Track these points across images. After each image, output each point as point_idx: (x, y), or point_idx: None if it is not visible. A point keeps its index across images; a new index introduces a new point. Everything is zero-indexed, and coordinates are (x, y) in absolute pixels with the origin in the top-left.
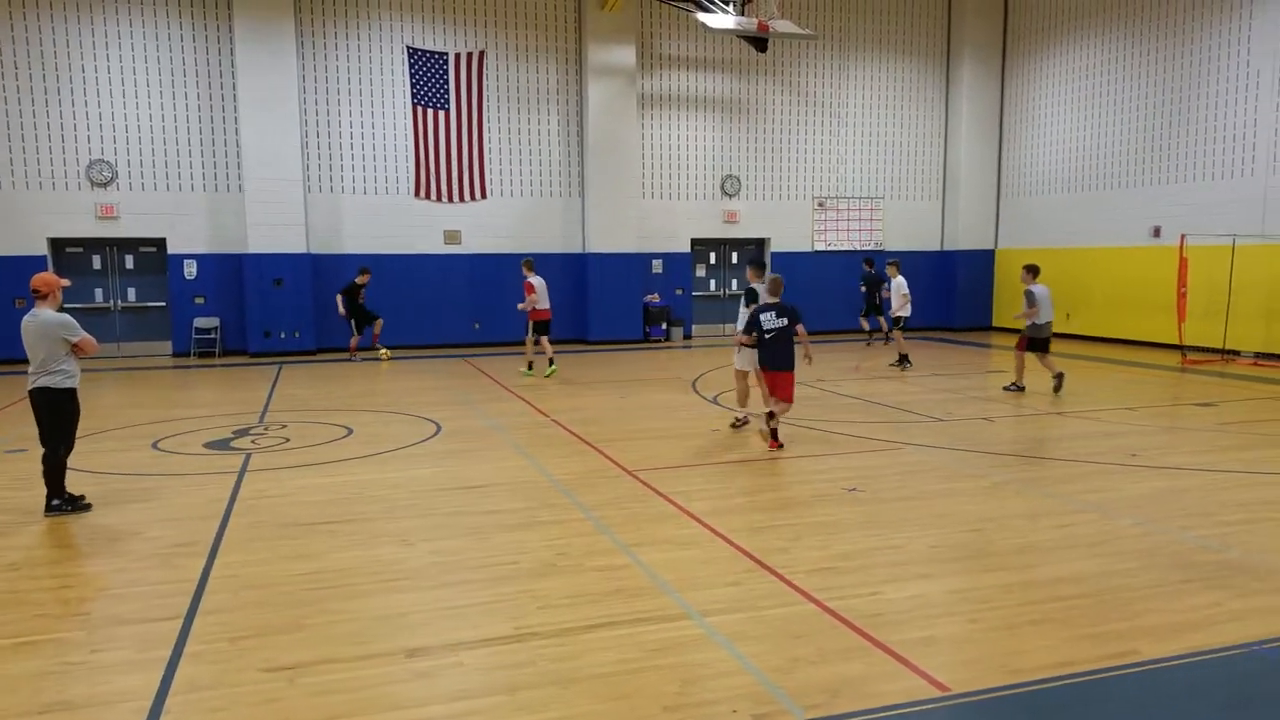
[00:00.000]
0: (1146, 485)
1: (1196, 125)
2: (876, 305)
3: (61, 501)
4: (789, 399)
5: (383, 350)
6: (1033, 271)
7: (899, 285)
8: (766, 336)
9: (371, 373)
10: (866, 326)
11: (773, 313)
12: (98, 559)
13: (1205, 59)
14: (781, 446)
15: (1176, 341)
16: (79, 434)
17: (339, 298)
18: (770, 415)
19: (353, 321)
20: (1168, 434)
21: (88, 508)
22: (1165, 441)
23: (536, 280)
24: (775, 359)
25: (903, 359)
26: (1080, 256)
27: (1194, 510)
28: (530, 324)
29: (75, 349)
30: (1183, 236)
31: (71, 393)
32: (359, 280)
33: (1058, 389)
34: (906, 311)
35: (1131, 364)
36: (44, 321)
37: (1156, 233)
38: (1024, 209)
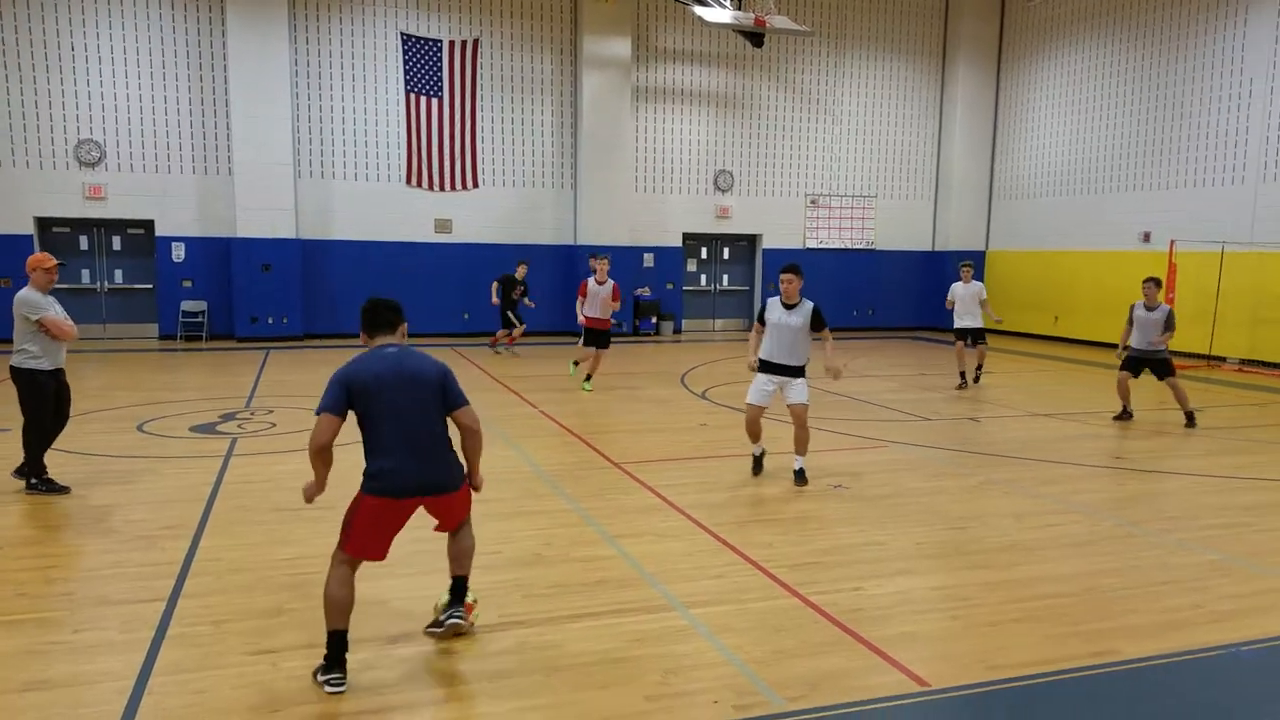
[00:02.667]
0: (1130, 488)
1: (1188, 132)
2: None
3: (39, 480)
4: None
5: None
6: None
7: (977, 291)
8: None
9: None
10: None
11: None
12: (82, 540)
13: (1199, 67)
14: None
15: None
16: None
17: (494, 285)
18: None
19: (509, 313)
20: (1152, 438)
21: (66, 490)
22: (1150, 445)
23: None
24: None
25: (964, 376)
26: (1070, 260)
27: (1177, 513)
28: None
29: (43, 330)
30: (1172, 242)
31: (29, 374)
32: (517, 274)
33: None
34: (988, 322)
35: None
36: (15, 300)
37: (1146, 238)
38: (1015, 211)
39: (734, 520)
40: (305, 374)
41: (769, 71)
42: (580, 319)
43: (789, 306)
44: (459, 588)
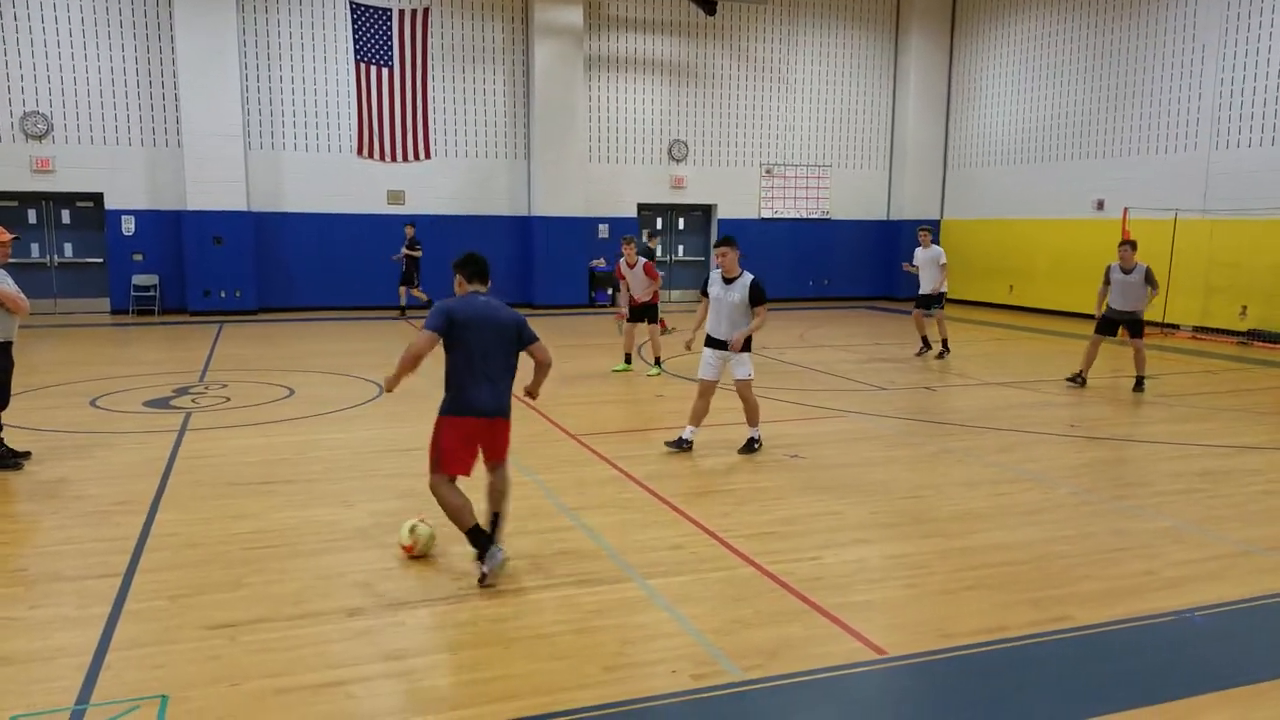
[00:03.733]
0: (1085, 455)
1: (1141, 99)
2: (407, 274)
3: None
4: None
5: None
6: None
7: (936, 255)
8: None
9: (315, 334)
10: (404, 301)
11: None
12: (35, 516)
13: (1151, 33)
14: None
15: None
16: (13, 391)
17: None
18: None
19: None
20: (1106, 405)
21: (18, 466)
22: (1104, 413)
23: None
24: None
25: (939, 344)
26: (1024, 228)
27: (1130, 480)
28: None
29: None
30: (1125, 210)
31: None
32: (648, 242)
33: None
34: (944, 286)
35: (1073, 336)
36: None
37: (1100, 205)
38: (970, 180)
39: (691, 491)
40: (259, 348)
41: (723, 40)
42: (624, 306)
43: (729, 280)
44: (496, 524)
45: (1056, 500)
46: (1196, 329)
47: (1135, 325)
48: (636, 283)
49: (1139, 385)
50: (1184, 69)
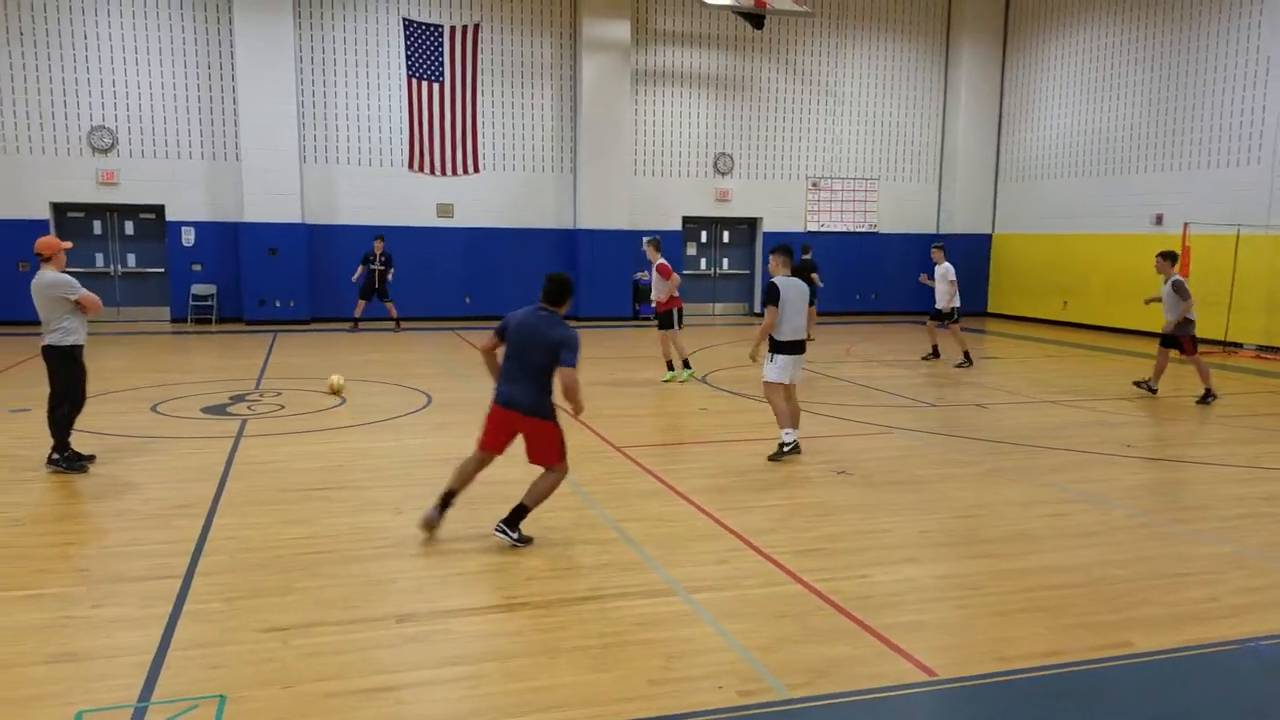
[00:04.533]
0: (1142, 476)
1: (1202, 112)
2: (381, 288)
3: (60, 457)
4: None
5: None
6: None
7: (945, 271)
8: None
9: (366, 344)
10: (394, 313)
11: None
12: (99, 518)
13: (1214, 44)
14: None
15: None
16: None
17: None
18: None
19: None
20: (1165, 425)
21: (83, 469)
22: (1162, 433)
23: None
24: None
25: (930, 349)
26: (1079, 243)
27: (1190, 503)
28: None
29: (79, 307)
30: (1185, 225)
31: (70, 350)
32: (807, 256)
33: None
34: (956, 301)
35: (1129, 354)
36: (44, 282)
37: (1159, 220)
38: (1022, 193)
39: (737, 506)
40: (312, 357)
41: (769, 53)
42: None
43: None
44: (517, 510)
45: (1114, 522)
46: (1261, 348)
47: (1180, 344)
48: (655, 283)
49: (1205, 398)
50: (1248, 81)
